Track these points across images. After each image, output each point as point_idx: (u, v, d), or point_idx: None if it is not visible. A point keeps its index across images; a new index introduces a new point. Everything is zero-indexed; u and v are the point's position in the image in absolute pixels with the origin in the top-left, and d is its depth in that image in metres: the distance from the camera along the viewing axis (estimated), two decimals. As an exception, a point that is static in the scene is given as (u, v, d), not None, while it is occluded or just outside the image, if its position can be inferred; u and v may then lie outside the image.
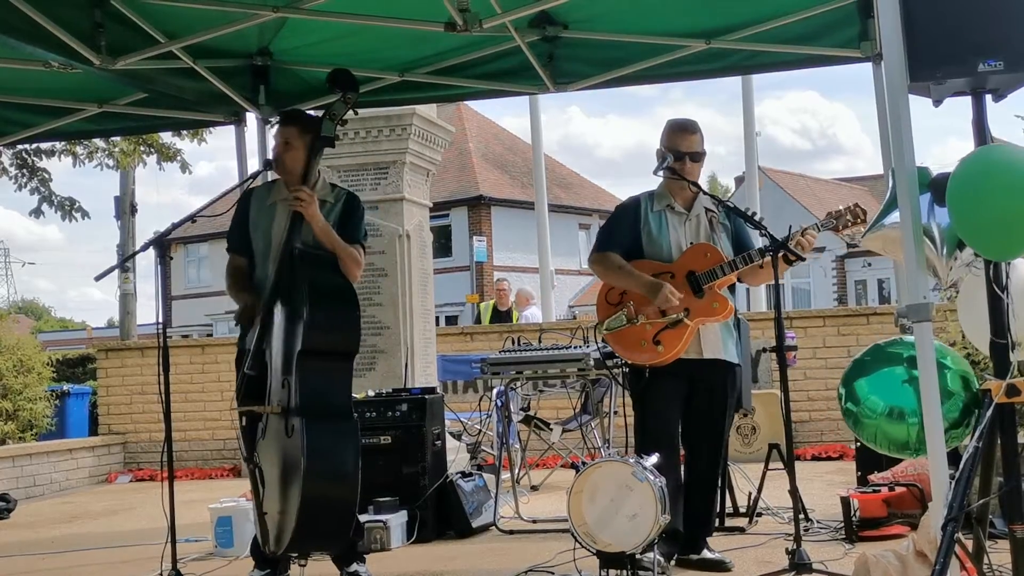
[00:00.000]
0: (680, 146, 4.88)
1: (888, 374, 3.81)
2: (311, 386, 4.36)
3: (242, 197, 4.91)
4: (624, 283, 4.90)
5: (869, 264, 33.20)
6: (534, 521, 6.39)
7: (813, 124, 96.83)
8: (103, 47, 5.08)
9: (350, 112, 4.71)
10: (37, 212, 14.07)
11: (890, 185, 4.42)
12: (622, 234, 4.97)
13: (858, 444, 6.27)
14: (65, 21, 4.86)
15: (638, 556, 4.33)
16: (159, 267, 4.51)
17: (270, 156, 4.88)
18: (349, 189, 5.03)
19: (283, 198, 4.70)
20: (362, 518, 5.25)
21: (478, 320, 13.23)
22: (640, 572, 4.36)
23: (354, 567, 4.71)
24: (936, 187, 3.51)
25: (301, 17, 5.40)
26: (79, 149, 13.60)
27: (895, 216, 4.07)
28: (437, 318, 9.68)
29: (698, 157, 4.91)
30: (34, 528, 7.79)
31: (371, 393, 6.61)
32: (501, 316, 12.54)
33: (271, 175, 5.03)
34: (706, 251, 4.84)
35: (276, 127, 4.82)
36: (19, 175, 13.80)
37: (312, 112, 7.11)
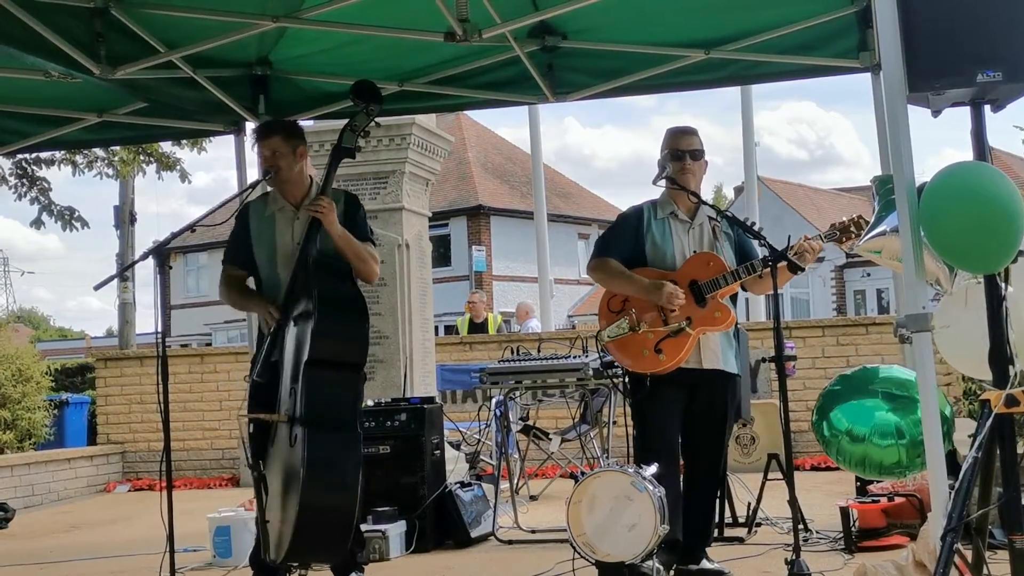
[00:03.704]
0: (680, 145, 4.88)
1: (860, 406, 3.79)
2: (315, 396, 4.35)
3: (240, 212, 4.79)
4: (625, 288, 4.88)
5: (868, 274, 33.14)
6: (533, 531, 6.38)
7: (810, 135, 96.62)
8: (103, 56, 5.09)
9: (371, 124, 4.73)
10: (38, 223, 14.05)
11: (876, 194, 4.43)
12: (622, 242, 4.95)
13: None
14: (65, 31, 4.86)
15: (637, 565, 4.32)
16: (158, 276, 4.48)
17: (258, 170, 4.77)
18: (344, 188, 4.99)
19: (280, 208, 4.69)
20: (360, 528, 5.24)
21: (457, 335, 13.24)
22: (639, 582, 4.35)
23: (352, 577, 4.71)
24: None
25: (301, 27, 5.41)
26: (79, 158, 13.60)
27: (887, 224, 4.07)
28: (436, 328, 9.67)
29: (698, 155, 4.89)
30: (32, 538, 7.78)
31: (370, 403, 6.60)
32: (477, 328, 12.57)
33: (264, 187, 4.98)
34: (709, 260, 4.82)
35: (256, 142, 4.69)
36: (19, 184, 13.78)
37: (310, 122, 7.16)
